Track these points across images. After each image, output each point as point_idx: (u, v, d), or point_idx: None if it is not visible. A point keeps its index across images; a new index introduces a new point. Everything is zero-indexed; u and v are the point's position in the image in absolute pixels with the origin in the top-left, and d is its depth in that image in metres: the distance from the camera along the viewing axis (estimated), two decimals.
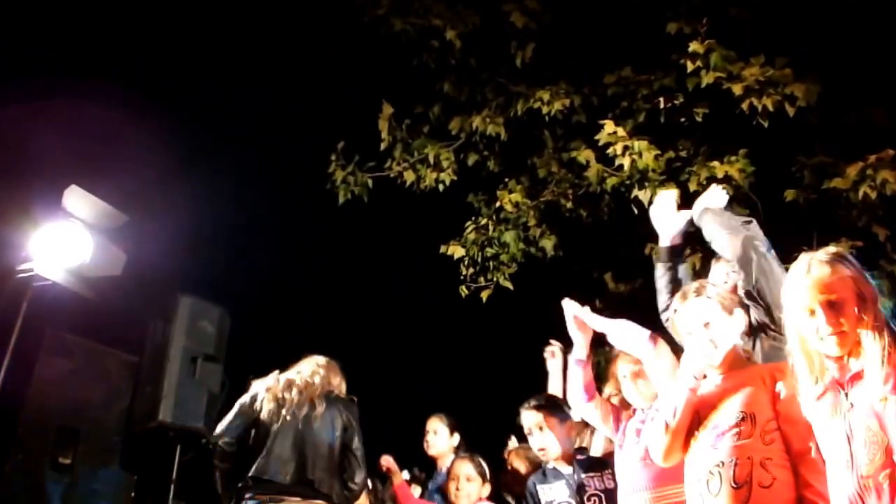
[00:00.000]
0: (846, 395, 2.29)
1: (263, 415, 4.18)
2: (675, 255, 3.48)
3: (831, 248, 2.44)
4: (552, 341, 4.97)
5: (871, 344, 2.25)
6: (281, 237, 8.20)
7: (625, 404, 3.52)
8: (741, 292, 3.23)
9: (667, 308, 3.43)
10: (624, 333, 3.25)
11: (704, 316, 2.79)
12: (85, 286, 4.78)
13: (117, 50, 7.18)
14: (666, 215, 3.51)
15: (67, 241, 4.74)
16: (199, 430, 4.96)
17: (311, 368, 4.45)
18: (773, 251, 3.17)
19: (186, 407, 4.90)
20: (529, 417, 4.15)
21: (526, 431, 4.19)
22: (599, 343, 3.58)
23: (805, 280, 2.36)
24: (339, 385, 4.52)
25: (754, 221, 3.23)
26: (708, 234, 3.26)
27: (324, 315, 8.39)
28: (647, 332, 3.17)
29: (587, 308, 3.41)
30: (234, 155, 7.90)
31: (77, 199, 4.76)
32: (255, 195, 8.03)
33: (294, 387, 4.29)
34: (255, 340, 6.88)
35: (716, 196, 3.44)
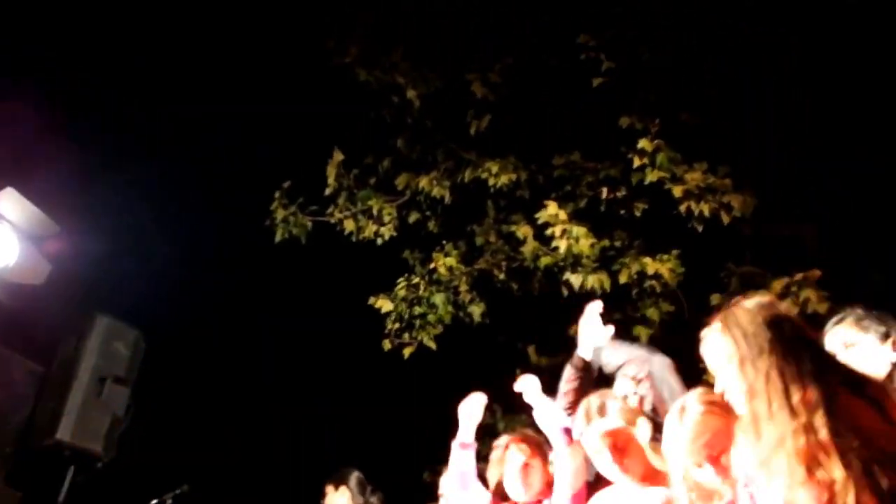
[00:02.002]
0: None
1: None
2: (587, 369, 3.50)
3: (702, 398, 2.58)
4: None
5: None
6: (212, 269, 8.05)
7: (504, 494, 3.55)
8: (648, 406, 3.28)
9: (565, 409, 3.46)
10: (550, 418, 3.32)
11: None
12: (3, 291, 4.63)
13: (75, 63, 7.06)
14: (594, 327, 3.52)
15: None
16: (97, 453, 4.78)
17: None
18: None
19: (87, 427, 4.72)
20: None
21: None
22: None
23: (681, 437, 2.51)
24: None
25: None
26: (613, 362, 3.33)
27: (240, 351, 8.23)
28: (567, 429, 3.24)
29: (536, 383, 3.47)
30: (177, 182, 7.77)
31: (10, 202, 4.64)
32: (193, 226, 7.89)
33: None
34: (167, 369, 6.68)
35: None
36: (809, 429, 1.88)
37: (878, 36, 5.75)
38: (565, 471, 3.19)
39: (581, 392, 3.44)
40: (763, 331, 2.09)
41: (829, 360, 2.10)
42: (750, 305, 2.18)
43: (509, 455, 3.49)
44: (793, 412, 1.92)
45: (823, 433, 1.85)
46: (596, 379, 3.59)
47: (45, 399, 4.87)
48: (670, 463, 2.58)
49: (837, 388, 1.94)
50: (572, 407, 3.41)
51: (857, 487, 1.76)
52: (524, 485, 3.39)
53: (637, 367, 3.24)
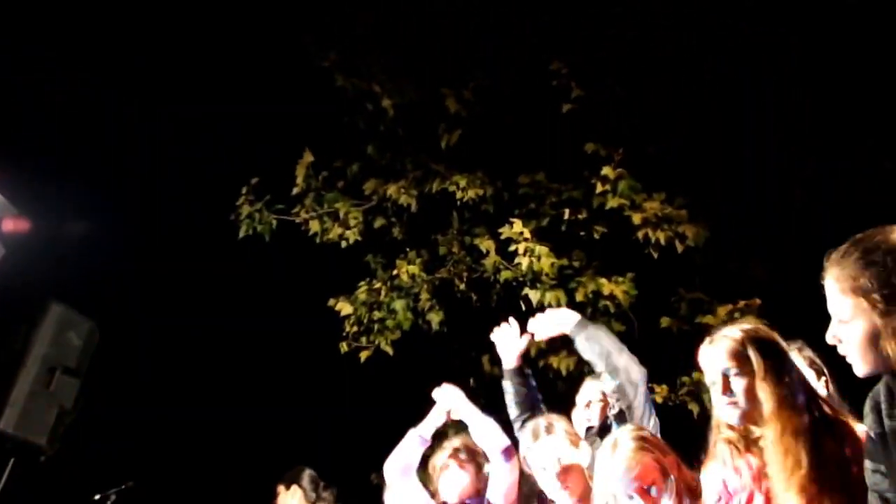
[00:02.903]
0: None
1: None
2: (520, 374, 3.69)
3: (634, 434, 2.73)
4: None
5: None
6: (173, 261, 8.04)
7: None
8: (613, 411, 3.47)
9: (518, 417, 3.62)
10: (486, 432, 3.44)
11: (557, 453, 3.09)
12: None
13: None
14: (509, 343, 3.71)
15: None
16: (40, 446, 4.71)
17: None
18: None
19: (32, 419, 4.65)
20: None
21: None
22: None
23: (612, 469, 2.66)
24: None
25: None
26: (590, 348, 3.36)
27: (193, 346, 8.22)
28: (506, 443, 3.37)
29: (461, 394, 3.61)
30: (141, 172, 7.76)
31: None
32: (154, 217, 7.87)
33: None
34: (120, 362, 6.69)
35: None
36: (799, 460, 2.11)
37: (878, 36, 5.86)
38: (501, 484, 3.34)
39: (528, 399, 3.63)
40: (783, 358, 2.32)
41: (816, 395, 2.30)
42: (768, 332, 2.42)
43: (443, 458, 3.61)
44: (790, 439, 2.14)
45: (813, 468, 2.09)
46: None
47: None
48: (597, 492, 2.72)
49: (820, 421, 2.17)
50: (525, 416, 3.57)
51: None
52: (455, 486, 3.53)
53: (611, 367, 3.30)
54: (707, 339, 2.52)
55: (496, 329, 3.77)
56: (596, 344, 3.36)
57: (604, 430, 3.59)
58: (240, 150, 7.70)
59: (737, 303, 6.00)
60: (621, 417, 3.36)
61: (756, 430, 2.32)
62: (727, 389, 2.35)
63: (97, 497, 4.96)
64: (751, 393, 2.30)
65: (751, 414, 2.32)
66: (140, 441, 7.65)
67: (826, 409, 2.26)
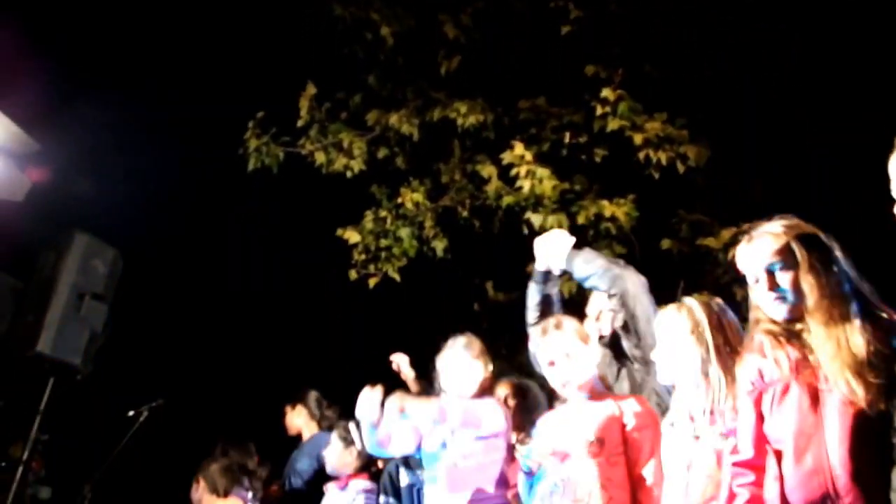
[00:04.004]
0: (693, 427, 2.67)
1: None
2: (548, 280, 3.69)
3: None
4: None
5: (717, 381, 2.65)
6: (186, 192, 8.17)
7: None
8: (618, 323, 3.55)
9: (535, 323, 3.64)
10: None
11: (565, 347, 3.12)
12: None
13: None
14: (552, 249, 3.66)
15: None
16: (76, 366, 4.93)
17: None
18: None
19: (67, 341, 4.85)
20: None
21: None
22: None
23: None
24: None
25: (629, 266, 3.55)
26: (584, 271, 3.47)
27: (213, 272, 8.42)
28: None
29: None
30: (157, 105, 7.81)
31: None
32: (172, 149, 7.96)
33: None
34: (143, 288, 6.87)
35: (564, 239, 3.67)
36: (847, 346, 2.17)
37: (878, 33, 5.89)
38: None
39: (546, 304, 3.65)
40: (826, 249, 2.33)
41: (861, 288, 2.33)
42: (808, 226, 2.42)
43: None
44: (837, 326, 2.21)
45: (862, 352, 2.16)
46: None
47: (24, 313, 4.98)
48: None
49: (865, 313, 2.24)
50: (540, 320, 3.58)
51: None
52: (467, 381, 3.64)
53: (610, 282, 3.41)
54: (745, 239, 2.50)
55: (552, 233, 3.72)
56: (590, 264, 3.47)
57: (614, 341, 3.63)
58: (244, 84, 7.74)
59: (740, 225, 6.09)
60: (626, 329, 3.45)
61: (798, 324, 2.31)
62: (774, 285, 2.33)
63: (131, 413, 5.24)
64: (797, 286, 2.29)
65: (798, 307, 2.29)
66: (167, 362, 7.90)
67: (871, 302, 2.25)
